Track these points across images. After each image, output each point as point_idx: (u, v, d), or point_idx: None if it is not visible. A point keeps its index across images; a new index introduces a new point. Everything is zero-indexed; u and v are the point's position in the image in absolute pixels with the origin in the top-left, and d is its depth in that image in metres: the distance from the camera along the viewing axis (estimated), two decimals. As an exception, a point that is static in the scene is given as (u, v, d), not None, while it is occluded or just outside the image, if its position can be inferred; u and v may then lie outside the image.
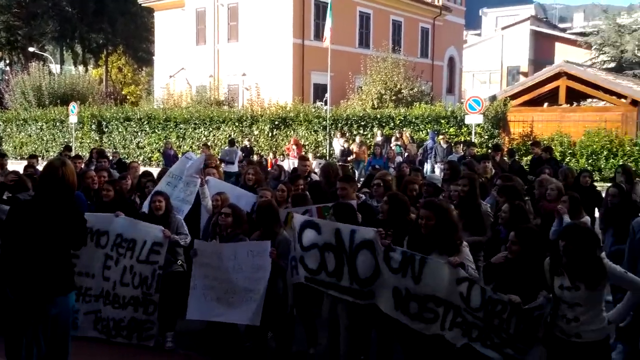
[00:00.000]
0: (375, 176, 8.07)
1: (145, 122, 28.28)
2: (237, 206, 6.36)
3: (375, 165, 12.82)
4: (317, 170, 13.74)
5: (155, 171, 9.24)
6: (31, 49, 44.57)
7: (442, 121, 22.05)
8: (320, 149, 23.84)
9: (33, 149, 30.61)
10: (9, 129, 33.04)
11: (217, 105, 29.75)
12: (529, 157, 15.87)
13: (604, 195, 7.90)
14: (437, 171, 17.65)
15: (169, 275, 6.37)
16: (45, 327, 3.91)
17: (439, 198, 6.86)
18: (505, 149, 16.79)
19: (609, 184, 8.08)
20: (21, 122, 32.52)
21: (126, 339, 6.40)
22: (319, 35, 28.63)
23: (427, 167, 18.74)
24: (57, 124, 30.92)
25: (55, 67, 45.62)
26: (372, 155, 18.07)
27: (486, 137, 21.13)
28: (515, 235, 4.67)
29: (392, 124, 22.79)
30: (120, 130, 28.98)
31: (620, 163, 16.73)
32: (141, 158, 27.20)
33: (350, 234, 5.35)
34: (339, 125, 23.63)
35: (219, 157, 18.95)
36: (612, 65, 34.74)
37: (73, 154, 15.74)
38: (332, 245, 5.45)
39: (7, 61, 52.03)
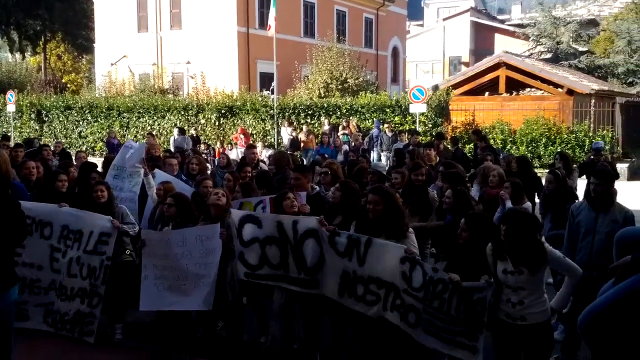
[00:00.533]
0: (322, 165, 8.18)
1: (87, 111, 27.53)
2: (181, 194, 6.31)
3: (324, 154, 12.92)
4: (265, 159, 13.79)
5: (99, 161, 9.09)
6: (-37, 35, 42.57)
7: (387, 110, 22.36)
8: (269, 137, 23.81)
9: (-33, 139, 29.31)
10: (-60, 119, 31.56)
11: (161, 93, 29.21)
12: (471, 145, 16.31)
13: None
14: (383, 159, 17.94)
15: (117, 265, 6.27)
16: None
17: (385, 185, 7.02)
18: (449, 137, 17.27)
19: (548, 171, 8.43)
20: (-46, 111, 31.11)
21: (69, 332, 6.26)
22: (263, 24, 28.43)
23: (373, 155, 19.01)
24: (-7, 113, 29.73)
25: (-11, 54, 43.76)
26: (319, 144, 18.18)
27: (430, 125, 21.57)
28: (465, 222, 4.77)
29: (338, 112, 22.97)
30: (61, 119, 28.12)
31: (558, 150, 17.45)
32: (84, 147, 26.47)
33: (292, 225, 5.39)
34: (287, 114, 23.63)
35: (175, 146, 18.72)
36: (549, 56, 35.97)
37: (12, 143, 15.20)
38: (275, 238, 5.46)
39: (-63, 48, 49.56)
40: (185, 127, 24.10)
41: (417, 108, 19.39)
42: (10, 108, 26.62)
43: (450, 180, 6.79)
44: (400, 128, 20.75)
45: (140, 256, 6.03)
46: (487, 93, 24.57)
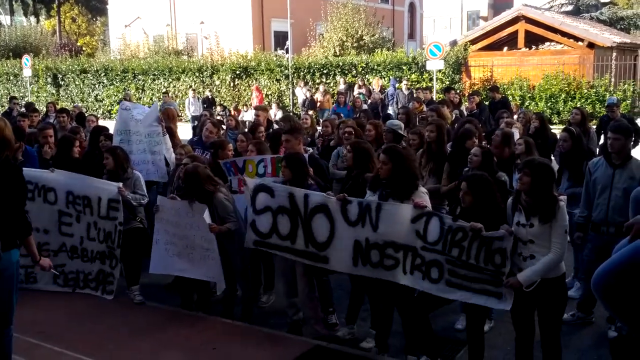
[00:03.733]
0: (339, 125, 8.10)
1: (102, 74, 27.54)
2: (198, 156, 6.41)
3: (339, 114, 12.79)
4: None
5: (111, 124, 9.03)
6: (-24, 0, 42.46)
7: (404, 67, 22.05)
8: (284, 98, 23.67)
9: (-14, 104, 29.61)
10: (-41, 84, 31.79)
11: (175, 55, 29.10)
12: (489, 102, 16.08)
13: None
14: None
15: (128, 231, 6.42)
16: None
17: (400, 144, 6.95)
18: (466, 94, 17.01)
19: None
20: (-29, 76, 31.30)
21: (93, 290, 6.57)
22: (277, -19, 27.99)
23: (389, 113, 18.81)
24: (11, 77, 29.87)
25: (4, 19, 43.72)
26: (335, 104, 18.02)
27: (447, 82, 21.25)
28: (466, 185, 4.71)
29: (354, 71, 22.69)
30: (77, 83, 28.19)
31: (577, 105, 17.13)
32: (100, 111, 26.59)
33: (304, 198, 5.39)
34: (302, 73, 23.41)
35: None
36: (570, 8, 35.03)
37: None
38: (286, 209, 5.48)
39: (-49, 13, 49.60)
40: (200, 89, 24.07)
41: (434, 65, 19.06)
42: (27, 72, 26.70)
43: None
44: (417, 86, 20.45)
45: (153, 220, 6.16)
46: (505, 48, 24.03)
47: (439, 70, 20.24)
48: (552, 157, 8.18)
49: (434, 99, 15.60)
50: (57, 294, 6.55)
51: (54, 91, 28.69)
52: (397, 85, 19.90)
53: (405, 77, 21.29)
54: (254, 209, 5.66)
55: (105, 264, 6.50)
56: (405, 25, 41.88)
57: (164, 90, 25.26)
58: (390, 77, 21.37)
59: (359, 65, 22.68)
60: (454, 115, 11.19)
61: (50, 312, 6.11)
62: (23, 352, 4.62)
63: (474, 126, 7.56)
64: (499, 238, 4.49)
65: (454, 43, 23.62)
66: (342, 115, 12.47)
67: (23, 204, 4.19)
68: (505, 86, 20.30)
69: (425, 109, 11.58)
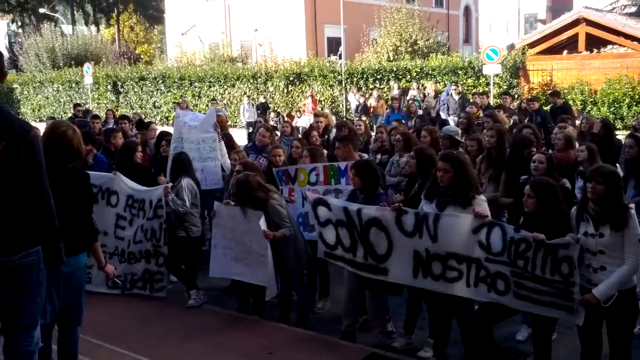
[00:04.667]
0: (390, 130, 8.03)
1: (160, 82, 28.20)
2: (251, 163, 6.46)
3: (401, 121, 12.68)
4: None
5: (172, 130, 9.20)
6: (42, 10, 44.31)
7: (460, 72, 21.71)
8: (337, 104, 23.67)
9: (51, 110, 30.79)
10: (25, 92, 33.10)
11: (230, 62, 29.52)
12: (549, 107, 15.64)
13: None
14: (452, 123, 17.41)
15: (174, 239, 6.54)
16: (58, 286, 4.01)
17: (457, 151, 6.81)
18: (524, 98, 16.59)
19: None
20: (37, 84, 32.55)
21: (141, 289, 6.68)
22: (331, -13, 28.07)
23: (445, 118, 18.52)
24: (73, 85, 30.94)
25: (67, 28, 45.39)
26: (390, 110, 17.87)
27: (505, 87, 20.80)
28: (530, 188, 4.59)
29: (408, 76, 22.49)
30: (136, 90, 28.95)
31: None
32: (158, 117, 27.23)
33: (357, 212, 5.33)
34: (355, 79, 23.36)
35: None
36: (633, 9, 33.72)
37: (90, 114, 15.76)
38: (344, 222, 5.45)
39: (19, 23, 51.82)
40: (255, 95, 24.34)
41: (491, 69, 18.66)
42: (88, 80, 27.58)
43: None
44: (473, 90, 20.09)
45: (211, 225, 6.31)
46: (565, 52, 23.36)
47: (496, 75, 19.83)
48: (617, 165, 7.86)
49: (491, 104, 15.28)
50: (118, 296, 6.69)
51: (113, 98, 29.55)
52: (450, 90, 19.62)
53: (461, 82, 20.96)
54: (318, 222, 5.67)
55: (151, 262, 6.61)
56: (461, 29, 41.32)
57: (214, 97, 25.58)
58: (446, 82, 21.09)
59: (413, 70, 22.47)
60: (511, 121, 10.94)
61: (112, 313, 6.23)
62: (87, 352, 4.73)
63: (531, 132, 7.36)
64: (564, 246, 4.33)
65: (511, 47, 23.11)
66: (402, 121, 12.35)
67: (90, 211, 4.28)
68: (565, 91, 19.70)
69: (481, 114, 11.36)
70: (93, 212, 6.13)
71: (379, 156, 8.12)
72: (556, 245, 4.35)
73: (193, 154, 7.33)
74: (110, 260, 6.61)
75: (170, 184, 6.51)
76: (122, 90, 29.46)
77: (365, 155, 7.17)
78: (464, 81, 21.27)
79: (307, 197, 5.81)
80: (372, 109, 20.22)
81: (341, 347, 5.48)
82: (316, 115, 10.61)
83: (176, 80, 27.69)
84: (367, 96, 21.69)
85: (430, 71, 22.24)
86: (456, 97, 18.31)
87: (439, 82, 21.78)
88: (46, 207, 3.35)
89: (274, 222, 5.72)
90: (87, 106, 23.17)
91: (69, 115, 28.33)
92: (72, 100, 30.69)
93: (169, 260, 6.59)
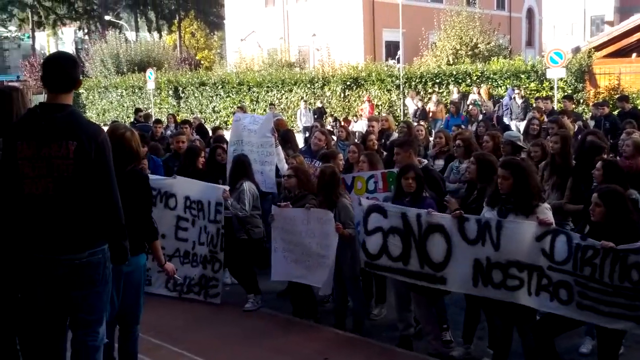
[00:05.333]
0: (454, 136, 7.86)
1: (219, 87, 28.71)
2: (301, 167, 6.47)
3: (461, 126, 12.45)
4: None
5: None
6: (107, 18, 45.93)
7: (522, 76, 21.17)
8: (394, 108, 23.50)
9: (115, 115, 31.80)
10: (91, 97, 34.35)
11: (288, 67, 29.78)
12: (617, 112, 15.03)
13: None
14: (513, 128, 16.97)
15: (235, 242, 6.57)
16: (118, 285, 4.11)
17: (519, 157, 6.60)
18: (590, 103, 16.01)
19: None
20: (102, 89, 33.74)
21: (196, 294, 6.70)
22: (389, -9, 27.95)
23: (507, 123, 18.06)
24: (136, 90, 31.89)
25: (130, 35, 46.88)
26: (449, 114, 17.58)
27: (569, 91, 20.13)
28: (598, 196, 4.42)
29: (468, 80, 22.10)
30: (196, 95, 29.57)
31: None
32: (217, 122, 27.71)
33: (416, 218, 5.24)
34: (413, 83, 23.14)
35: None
36: None
37: (153, 119, 16.18)
38: (399, 230, 5.36)
39: (85, 30, 53.89)
40: (312, 100, 24.43)
41: (555, 73, 18.08)
42: (150, 85, 28.34)
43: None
44: (537, 95, 19.53)
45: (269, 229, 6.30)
46: (634, 55, 22.43)
47: (561, 79, 19.22)
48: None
49: (555, 108, 14.81)
50: (177, 297, 6.78)
51: (174, 103, 30.26)
52: (512, 94, 19.14)
53: (524, 86, 20.42)
54: (366, 230, 5.59)
55: (207, 268, 6.63)
56: (523, 32, 40.39)
57: (272, 101, 25.82)
58: (508, 86, 20.59)
59: (474, 74, 22.06)
60: (576, 127, 10.57)
61: (171, 314, 6.33)
62: (146, 352, 4.81)
63: (598, 138, 7.06)
64: (635, 251, 4.14)
65: (576, 50, 22.37)
66: (462, 126, 12.14)
67: (150, 211, 4.37)
68: (634, 95, 18.89)
69: (545, 119, 11.01)
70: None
71: (437, 161, 7.99)
72: (626, 250, 4.18)
73: (254, 157, 7.36)
74: (170, 262, 6.71)
75: (228, 188, 6.53)
76: (182, 95, 30.15)
77: (425, 161, 7.03)
78: (527, 85, 20.73)
79: (360, 204, 5.73)
80: (431, 114, 19.96)
81: (397, 354, 5.41)
82: (370, 120, 10.51)
83: (235, 85, 28.13)
84: (425, 100, 21.43)
85: (492, 75, 21.79)
86: (519, 102, 17.84)
87: (501, 87, 21.30)
88: (114, 205, 3.44)
89: (341, 221, 5.71)
90: (148, 111, 23.79)
91: (132, 119, 29.29)
92: (134, 105, 31.64)
93: (231, 263, 6.63)
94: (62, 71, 3.40)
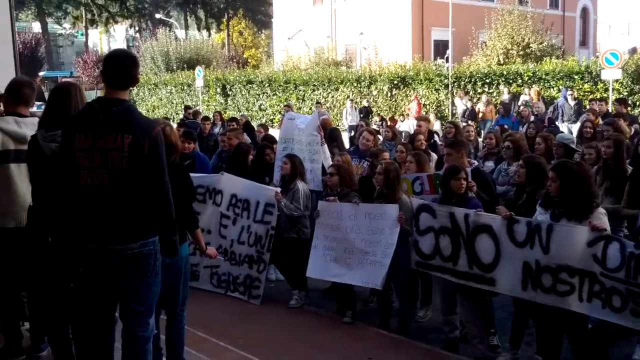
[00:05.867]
0: (505, 137, 7.69)
1: (266, 85, 28.94)
2: (343, 165, 6.40)
3: (503, 125, 12.22)
4: (439, 131, 13.41)
5: (277, 133, 9.35)
6: (158, 16, 46.88)
7: (576, 77, 20.61)
8: (442, 108, 23.22)
9: (164, 112, 32.43)
10: (141, 93, 35.11)
11: (334, 66, 29.80)
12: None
13: None
14: (565, 130, 16.53)
15: (285, 240, 6.57)
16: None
17: (572, 160, 6.42)
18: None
19: None
20: (152, 86, 34.45)
21: (241, 294, 6.71)
22: (438, -11, 27.67)
23: (559, 126, 17.59)
24: (185, 87, 32.44)
25: (180, 33, 47.73)
26: (499, 115, 17.25)
27: (625, 93, 19.50)
28: None
29: (519, 80, 21.65)
30: (243, 93, 29.88)
31: None
32: (263, 120, 27.95)
33: (464, 218, 5.17)
34: (462, 83, 22.82)
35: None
36: None
37: (201, 116, 16.40)
38: (448, 229, 5.31)
39: (136, 28, 55.17)
40: (358, 99, 24.35)
41: (611, 74, 17.52)
42: (199, 83, 28.79)
43: None
44: (591, 97, 18.98)
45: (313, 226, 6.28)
46: (694, 55, 21.59)
47: (616, 80, 18.63)
48: None
49: (609, 111, 14.35)
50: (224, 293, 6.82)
51: (222, 101, 30.65)
52: (566, 94, 18.66)
53: (577, 87, 19.88)
54: (417, 229, 5.55)
55: (253, 268, 6.61)
56: (577, 32, 39.38)
57: (318, 100, 25.87)
58: (561, 87, 20.08)
59: (525, 75, 21.59)
60: (632, 130, 10.22)
61: (217, 309, 6.38)
62: (192, 345, 4.87)
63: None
64: None
65: (633, 50, 21.76)
66: (505, 126, 11.89)
67: (190, 201, 4.45)
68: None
69: (600, 122, 10.68)
70: (200, 213, 6.46)
71: (487, 163, 7.85)
72: None
73: (303, 155, 7.35)
74: (214, 258, 6.78)
75: (279, 189, 6.54)
76: (230, 93, 30.51)
77: (475, 162, 6.90)
78: (580, 86, 20.17)
79: (411, 203, 5.69)
80: (480, 114, 19.63)
81: (442, 357, 5.34)
82: (417, 119, 10.37)
83: (282, 83, 28.31)
84: (474, 101, 21.11)
85: (544, 75, 21.29)
86: (572, 103, 17.34)
87: (553, 88, 20.79)
88: (166, 200, 3.51)
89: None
90: (197, 108, 24.19)
91: (181, 116, 29.81)
92: (183, 102, 32.19)
93: (279, 260, 6.64)
94: (122, 68, 3.49)
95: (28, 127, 4.28)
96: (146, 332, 3.64)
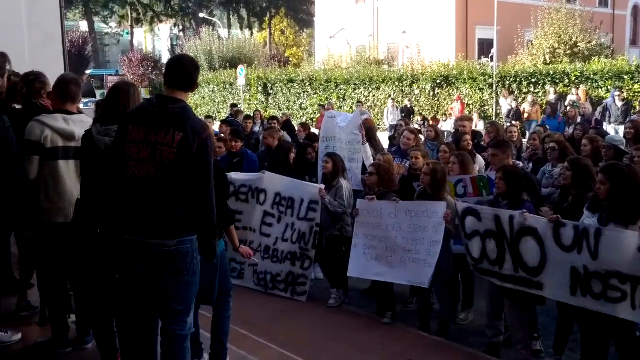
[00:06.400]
0: (543, 139, 7.54)
1: (307, 84, 29.01)
2: (383, 165, 6.37)
3: (545, 126, 11.94)
4: (482, 130, 13.16)
5: (316, 132, 9.37)
6: (201, 15, 47.50)
7: (625, 77, 20.03)
8: (486, 108, 22.86)
9: (207, 110, 32.86)
10: (185, 91, 35.56)
11: (376, 65, 29.68)
12: None
13: None
14: (612, 132, 16.05)
15: (327, 238, 6.56)
16: None
17: (622, 162, 6.22)
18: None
19: None
20: (195, 84, 34.86)
21: (283, 292, 6.70)
22: (483, -13, 27.26)
23: (606, 127, 17.10)
24: (227, 86, 32.80)
25: (223, 32, 48.28)
26: (544, 116, 16.88)
27: (677, 94, 18.89)
28: None
29: (566, 80, 21.15)
30: (284, 92, 30.03)
31: None
32: (304, 119, 28.03)
33: (509, 220, 5.05)
34: (507, 82, 22.43)
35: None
36: None
37: (243, 115, 16.54)
38: (493, 232, 5.19)
39: (180, 27, 56.02)
40: (400, 98, 24.18)
41: (663, 74, 16.99)
42: (241, 82, 29.06)
43: None
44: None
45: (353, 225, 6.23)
46: None
47: (668, 81, 18.04)
48: None
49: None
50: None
51: (263, 99, 30.88)
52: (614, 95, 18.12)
53: (627, 88, 19.30)
54: (465, 234, 5.44)
55: (296, 265, 6.61)
56: (628, 31, 38.30)
57: (359, 99, 25.78)
58: (610, 87, 19.52)
59: (572, 74, 21.08)
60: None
61: (260, 305, 6.41)
62: (233, 342, 4.87)
63: None
64: None
65: (686, 49, 20.92)
66: (547, 127, 11.60)
67: (225, 199, 4.48)
68: None
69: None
70: (243, 212, 6.64)
71: (532, 164, 7.70)
72: None
73: (343, 154, 7.33)
74: (254, 257, 6.82)
75: (323, 186, 6.52)
76: (271, 92, 30.70)
77: (520, 163, 6.77)
78: (630, 87, 19.58)
79: (456, 206, 5.59)
80: (526, 114, 19.23)
81: (483, 361, 5.25)
82: (460, 120, 10.18)
83: (322, 82, 28.33)
84: (519, 100, 20.71)
85: (592, 75, 20.75)
86: (619, 104, 16.82)
87: (601, 88, 20.24)
88: (209, 204, 3.52)
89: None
90: (239, 107, 24.44)
91: (223, 114, 30.09)
92: (225, 101, 32.60)
93: (321, 258, 6.64)
94: (185, 71, 3.56)
95: (76, 124, 4.36)
96: (184, 330, 3.66)
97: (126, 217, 3.54)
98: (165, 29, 60.74)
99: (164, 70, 3.74)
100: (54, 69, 7.70)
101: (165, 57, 48.52)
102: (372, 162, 7.30)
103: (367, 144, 7.65)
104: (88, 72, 41.79)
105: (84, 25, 55.92)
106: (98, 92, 36.29)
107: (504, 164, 5.71)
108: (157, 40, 62.47)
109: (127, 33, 59.57)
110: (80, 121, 4.39)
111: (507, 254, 5.11)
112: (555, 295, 4.92)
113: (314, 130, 11.72)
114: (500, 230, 5.12)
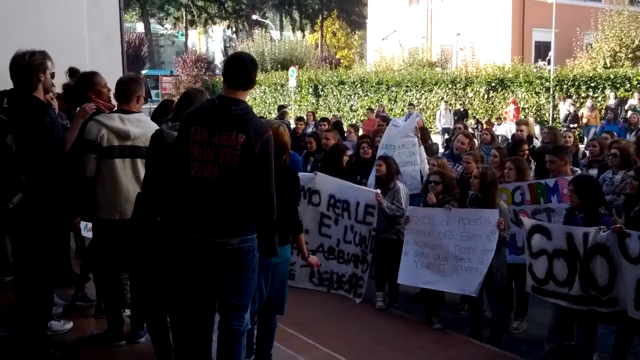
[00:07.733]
0: (610, 144, 7.27)
1: (358, 86, 28.95)
2: (447, 173, 6.25)
3: (612, 132, 11.52)
4: (538, 135, 12.85)
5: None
6: (254, 17, 48.06)
7: (691, 81, 19.23)
8: (543, 112, 22.30)
9: (257, 111, 33.11)
10: (236, 92, 36.04)
11: (429, 67, 29.38)
12: None
13: None
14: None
15: (382, 241, 6.50)
16: (267, 275, 4.22)
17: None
18: None
19: None
20: (247, 86, 35.27)
21: (346, 292, 6.72)
22: (540, -11, 26.63)
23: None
24: (278, 87, 33.06)
25: (275, 34, 48.71)
26: (604, 121, 16.34)
27: None
28: None
29: (627, 85, 20.42)
30: (335, 93, 30.05)
31: None
32: (354, 121, 27.98)
33: (583, 238, 4.77)
34: (564, 86, 21.82)
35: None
36: None
37: (293, 116, 16.63)
38: (563, 252, 4.93)
39: (233, 29, 56.82)
40: (453, 101, 23.85)
41: None
42: (292, 83, 29.24)
43: None
44: None
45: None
46: None
47: None
48: None
49: None
50: (313, 291, 6.85)
51: (313, 101, 30.98)
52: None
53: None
54: (530, 252, 5.20)
55: (358, 267, 6.65)
56: (692, 34, 36.69)
57: (410, 101, 25.54)
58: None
59: (634, 79, 20.34)
60: None
61: (307, 306, 6.39)
62: (281, 341, 4.91)
63: None
64: None
65: None
66: (614, 134, 11.21)
67: (296, 204, 4.45)
68: None
69: None
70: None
71: (591, 171, 7.45)
72: None
73: (399, 159, 7.28)
74: (313, 255, 6.84)
75: (379, 191, 6.47)
76: (322, 93, 30.77)
77: (578, 170, 6.55)
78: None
79: (521, 223, 5.37)
80: (585, 120, 18.66)
81: (536, 371, 5.10)
82: (518, 124, 9.95)
83: (374, 84, 28.21)
84: (577, 105, 20.12)
85: (654, 80, 20.00)
86: (674, 109, 16.16)
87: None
88: (270, 203, 3.56)
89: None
90: (287, 108, 24.60)
91: (273, 115, 30.31)
92: (276, 102, 32.85)
93: (376, 261, 6.59)
94: (244, 69, 3.58)
95: (132, 123, 4.42)
96: (241, 326, 3.71)
97: (189, 215, 3.59)
98: (219, 31, 61.75)
99: (221, 69, 3.78)
100: (113, 70, 7.90)
101: (219, 59, 49.37)
102: (427, 165, 7.22)
103: (422, 147, 7.57)
104: (144, 72, 42.80)
105: (140, 27, 57.36)
106: (153, 92, 37.14)
107: (579, 176, 5.53)
108: (211, 41, 63.58)
109: (182, 34, 60.85)
110: (136, 120, 4.46)
111: (576, 275, 4.84)
112: (622, 307, 4.67)
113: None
114: (572, 248, 4.86)
